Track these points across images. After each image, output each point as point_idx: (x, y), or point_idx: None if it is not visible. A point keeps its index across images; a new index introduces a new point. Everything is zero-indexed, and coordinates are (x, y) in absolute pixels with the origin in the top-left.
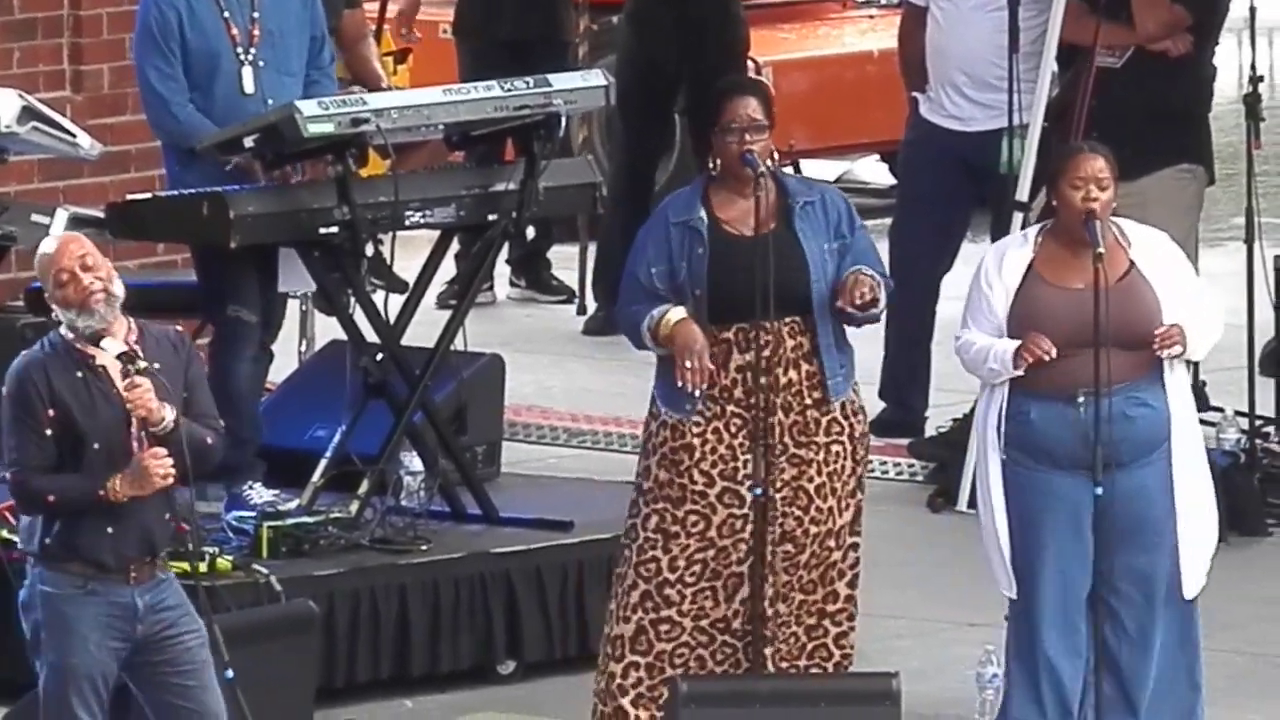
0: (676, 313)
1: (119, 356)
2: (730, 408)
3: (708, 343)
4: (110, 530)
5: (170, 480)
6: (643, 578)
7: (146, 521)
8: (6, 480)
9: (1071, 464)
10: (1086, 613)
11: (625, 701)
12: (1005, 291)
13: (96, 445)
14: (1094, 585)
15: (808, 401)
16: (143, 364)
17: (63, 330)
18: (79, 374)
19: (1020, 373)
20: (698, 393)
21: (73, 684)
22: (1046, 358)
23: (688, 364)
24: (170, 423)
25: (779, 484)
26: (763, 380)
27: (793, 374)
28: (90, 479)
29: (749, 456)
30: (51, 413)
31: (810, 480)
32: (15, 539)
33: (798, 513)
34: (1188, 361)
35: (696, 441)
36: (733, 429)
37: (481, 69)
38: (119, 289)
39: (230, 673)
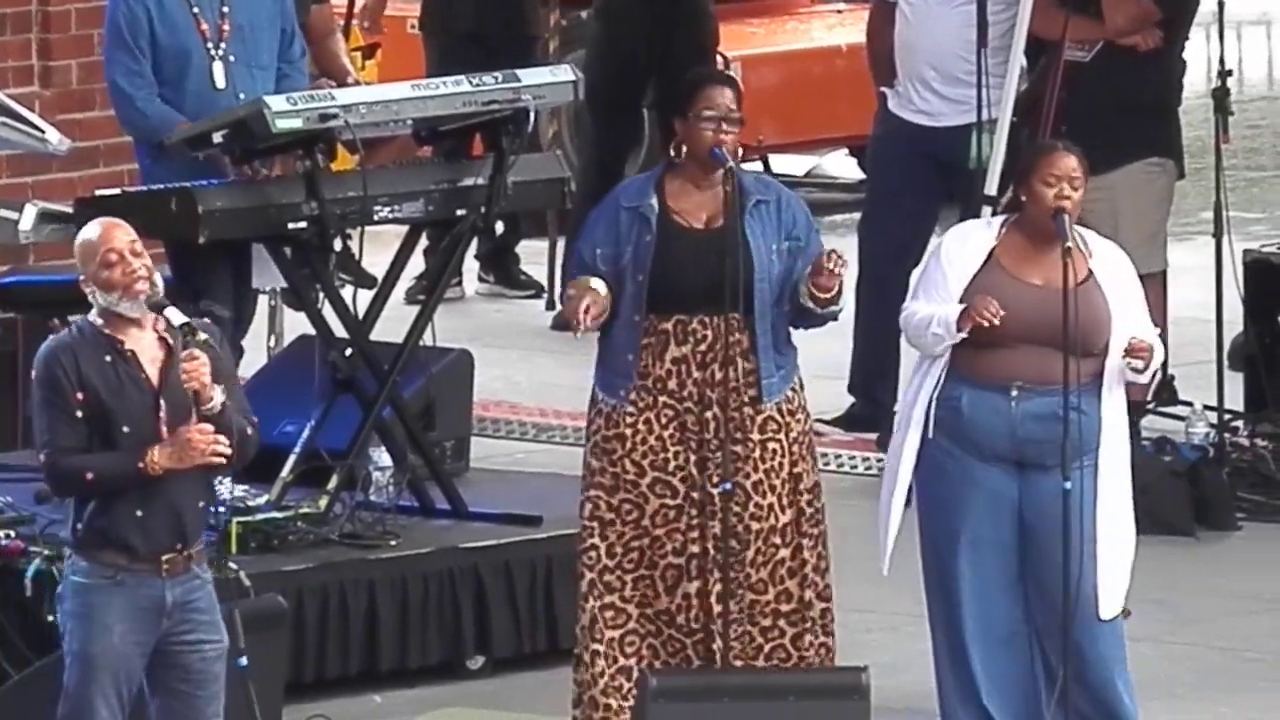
0: (587, 276)
1: (180, 327)
2: (663, 399)
3: (600, 297)
4: (139, 514)
5: (210, 458)
6: (586, 565)
7: (179, 507)
8: (41, 463)
9: (995, 456)
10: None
11: (596, 691)
12: (962, 273)
13: (126, 429)
14: (1029, 584)
15: (744, 399)
16: (203, 336)
17: (91, 316)
18: (107, 358)
19: (961, 336)
20: (578, 324)
21: (94, 675)
22: (991, 322)
23: (570, 293)
24: (218, 404)
25: (715, 479)
26: (692, 375)
27: (729, 370)
28: (128, 454)
29: (678, 449)
30: (80, 395)
31: (746, 477)
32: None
33: (736, 509)
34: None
35: (628, 431)
36: (663, 420)
37: (447, 64)
38: (159, 283)
39: (244, 660)
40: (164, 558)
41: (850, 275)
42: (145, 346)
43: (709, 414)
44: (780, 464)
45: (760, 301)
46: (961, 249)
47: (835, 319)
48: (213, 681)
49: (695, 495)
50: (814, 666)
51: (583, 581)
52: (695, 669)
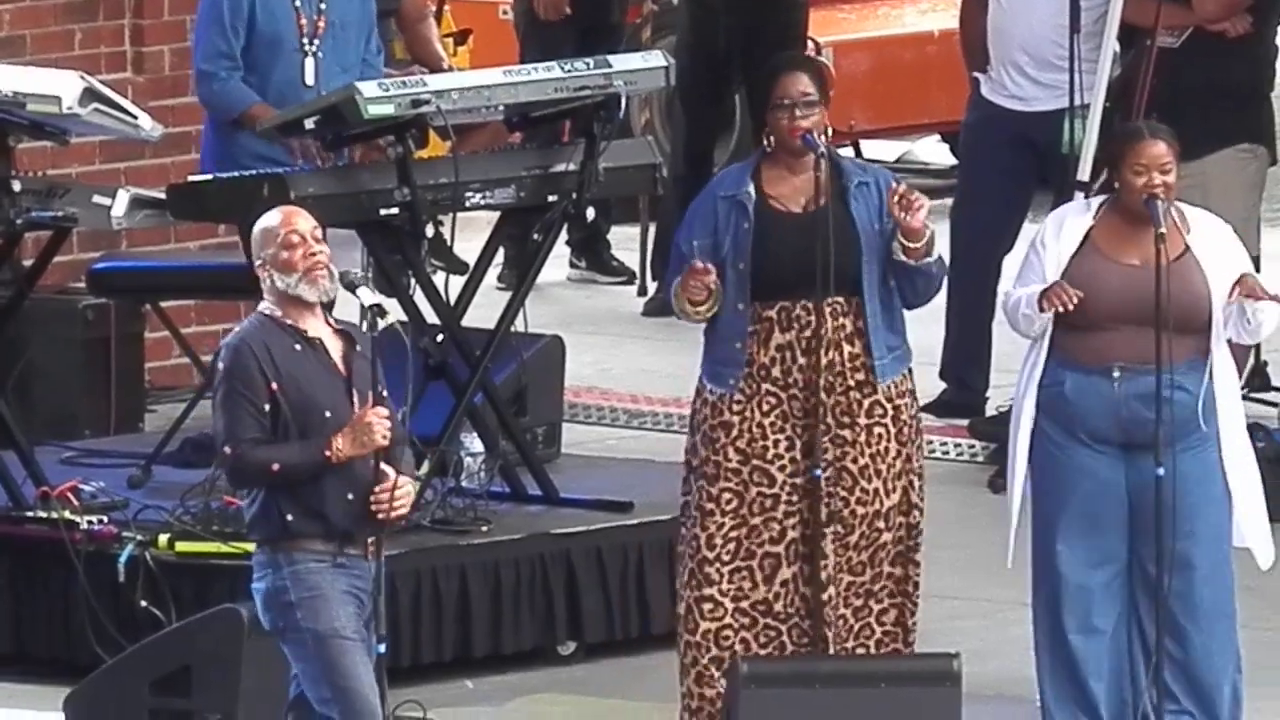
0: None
1: (370, 307)
2: (766, 386)
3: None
4: (351, 497)
5: (386, 440)
6: (688, 554)
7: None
8: (224, 455)
9: (1101, 439)
10: (1130, 599)
11: (690, 681)
12: (1059, 256)
13: (328, 414)
14: (1135, 570)
15: (850, 383)
16: (391, 318)
17: (265, 308)
18: (296, 346)
19: (1046, 315)
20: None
21: (344, 646)
22: (1065, 307)
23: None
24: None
25: (822, 464)
26: (797, 361)
27: (835, 355)
28: (312, 443)
29: (778, 436)
30: (274, 385)
31: (854, 461)
32: (78, 520)
33: (843, 493)
34: (1246, 347)
35: (735, 419)
36: (764, 408)
37: (538, 49)
38: (350, 268)
39: (383, 647)
40: (369, 541)
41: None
42: (325, 334)
43: (814, 399)
44: (887, 448)
45: (868, 282)
46: (1058, 232)
47: (935, 284)
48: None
49: (797, 481)
50: (902, 650)
51: (684, 572)
52: (786, 655)
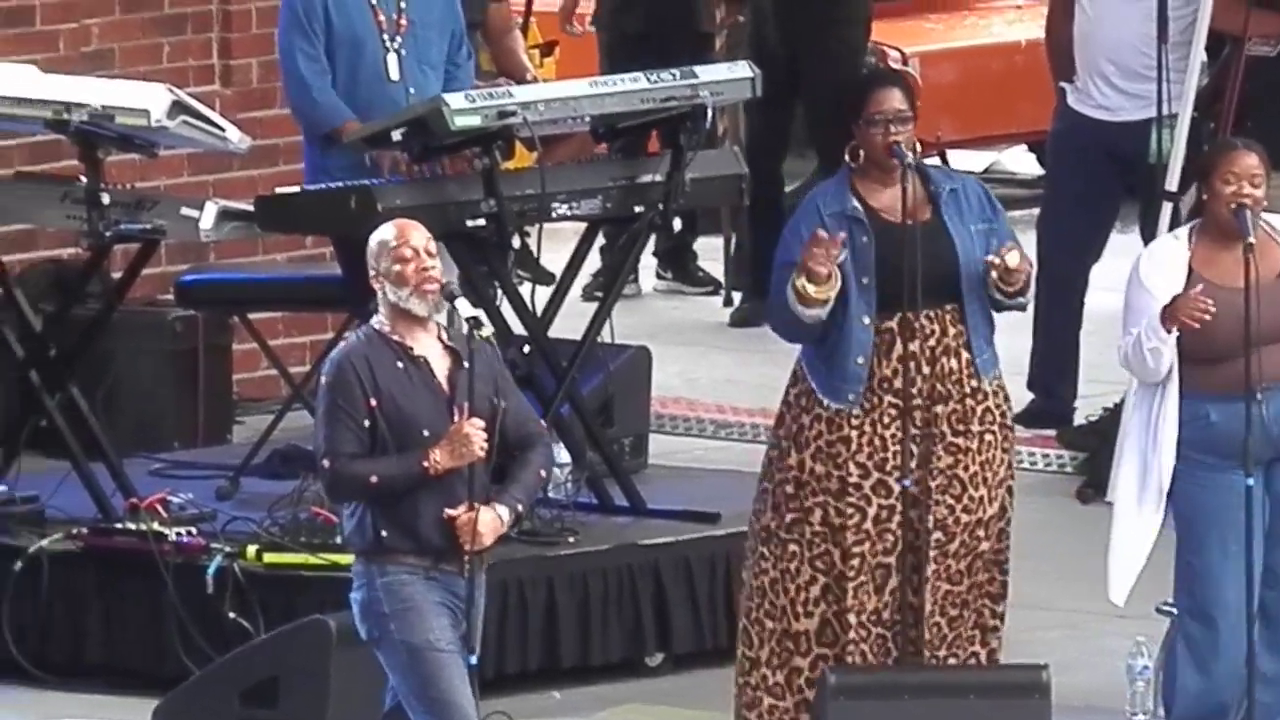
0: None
1: (468, 320)
2: (887, 398)
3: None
4: (446, 515)
5: (485, 452)
6: (820, 570)
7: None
8: (322, 469)
9: (1253, 461)
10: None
11: (811, 694)
12: (1168, 290)
13: (426, 432)
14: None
15: (966, 390)
16: (487, 331)
17: (375, 322)
18: (399, 364)
19: (1171, 349)
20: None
21: (439, 659)
22: (1208, 313)
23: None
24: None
25: (934, 472)
26: (922, 371)
27: (953, 362)
28: (410, 456)
29: (898, 448)
30: (373, 402)
31: (965, 469)
32: (167, 531)
33: (950, 501)
34: None
35: (854, 434)
36: (885, 420)
37: (618, 61)
38: (449, 279)
39: (474, 659)
40: (465, 557)
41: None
42: (433, 353)
43: (937, 409)
44: (995, 455)
45: (968, 285)
46: (1158, 268)
47: (1021, 309)
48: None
49: (913, 491)
50: (985, 658)
51: (814, 586)
52: (875, 666)
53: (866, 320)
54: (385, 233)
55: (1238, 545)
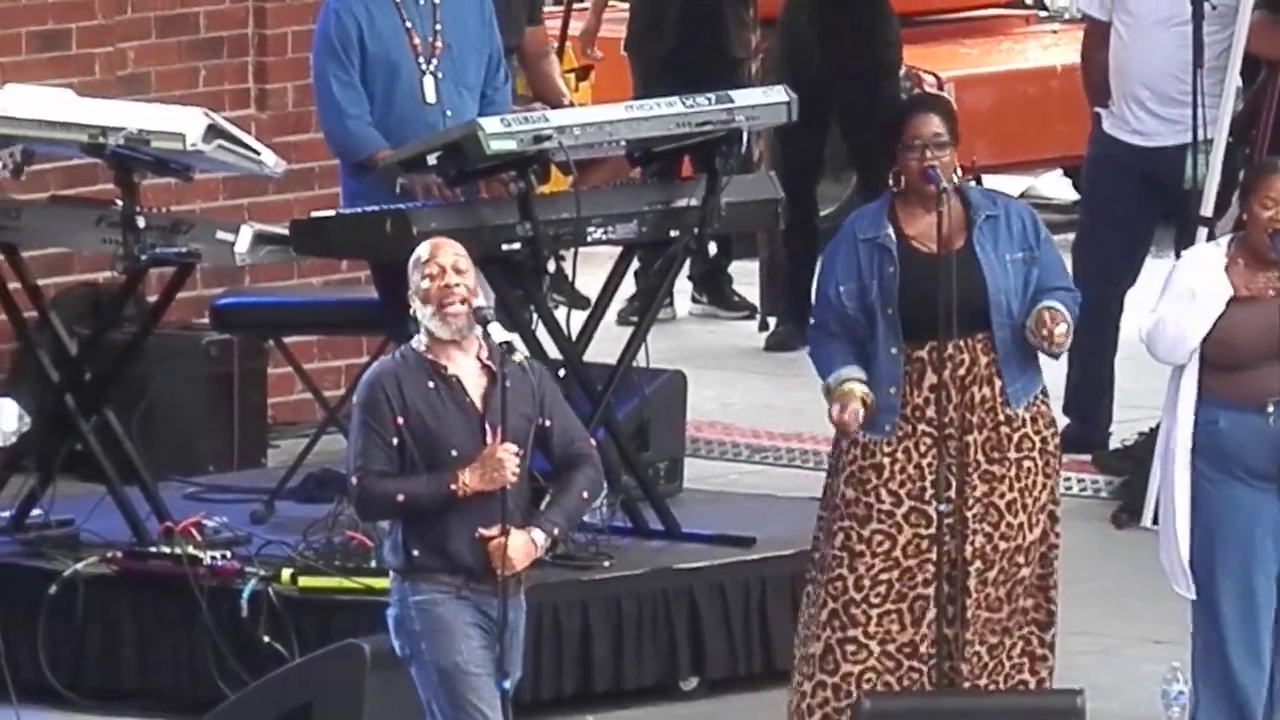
0: (850, 372)
1: (501, 344)
2: (921, 426)
3: (861, 409)
4: (478, 535)
5: (516, 477)
6: (830, 595)
7: (509, 528)
8: (351, 486)
9: (1258, 476)
10: (1272, 627)
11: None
12: (1206, 286)
13: (455, 453)
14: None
15: (1000, 418)
16: (520, 356)
17: (415, 342)
18: (430, 384)
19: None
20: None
21: (467, 680)
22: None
23: (835, 409)
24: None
25: (970, 500)
26: (952, 400)
27: (986, 390)
28: (439, 476)
29: (935, 476)
30: (401, 421)
31: (1001, 496)
32: (202, 555)
33: (988, 529)
34: None
35: (886, 460)
36: (922, 448)
37: (650, 86)
38: (482, 303)
39: (508, 684)
40: (497, 579)
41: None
42: (468, 372)
43: (970, 438)
44: (1035, 481)
45: (998, 313)
46: (1199, 265)
47: (1055, 359)
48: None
49: (950, 521)
50: (1034, 687)
51: (823, 611)
52: (910, 692)
53: (894, 350)
54: (420, 250)
55: (1239, 559)
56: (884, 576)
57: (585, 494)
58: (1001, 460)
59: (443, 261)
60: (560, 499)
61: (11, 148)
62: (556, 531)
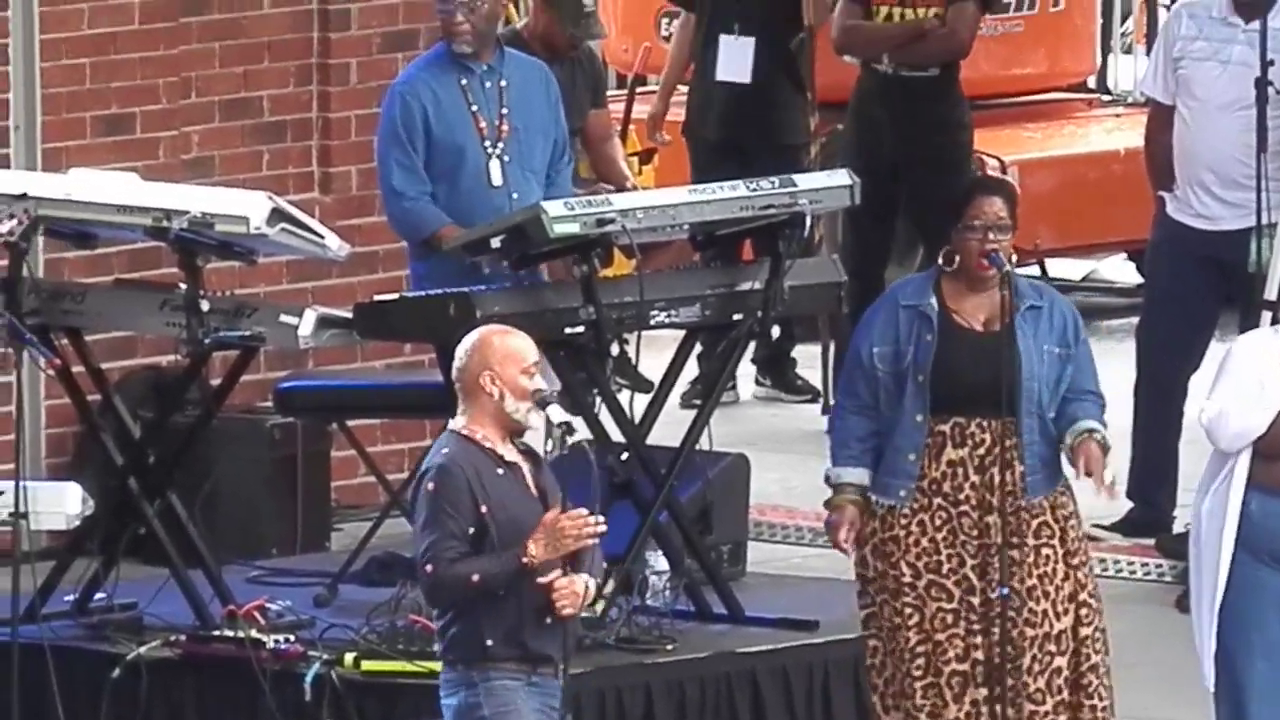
0: (850, 476)
1: (559, 424)
2: (937, 500)
3: (857, 521)
4: (549, 621)
5: (583, 541)
6: (874, 669)
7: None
8: (424, 573)
9: None
10: None
11: None
12: (1263, 375)
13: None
14: None
15: (1021, 503)
16: (579, 436)
17: (459, 428)
18: (499, 470)
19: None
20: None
21: None
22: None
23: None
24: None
25: (993, 585)
26: (970, 479)
27: (1004, 474)
28: (509, 552)
29: (950, 552)
30: (484, 510)
31: (1021, 582)
32: (265, 639)
33: (1010, 614)
34: None
35: (902, 533)
36: (937, 522)
37: (700, 170)
38: (541, 387)
39: None
40: (559, 663)
41: (1128, 380)
42: (517, 456)
43: (989, 519)
44: (1054, 569)
45: (1028, 400)
46: (1265, 360)
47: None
48: None
49: (974, 600)
50: None
51: (874, 695)
52: None
53: (920, 418)
54: (515, 335)
55: (1271, 661)
56: (920, 649)
57: (605, 564)
58: (1020, 546)
59: (539, 360)
60: (587, 565)
61: (25, 204)
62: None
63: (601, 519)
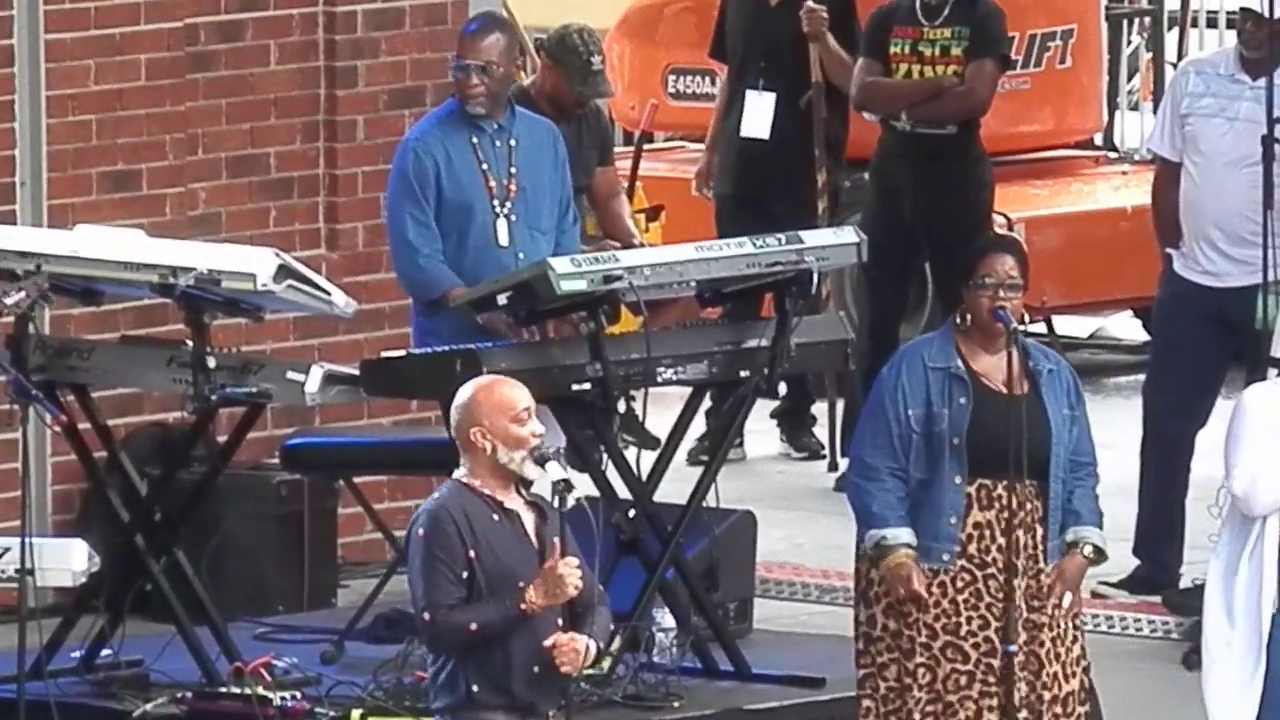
0: (904, 535)
1: (556, 483)
2: (961, 562)
3: (922, 578)
4: (537, 669)
5: (577, 590)
6: None
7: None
8: (423, 622)
9: None
10: None
11: None
12: (1271, 430)
13: (522, 584)
14: None
15: (1042, 565)
16: (577, 495)
17: (461, 477)
18: (494, 516)
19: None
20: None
21: None
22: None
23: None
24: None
25: (1017, 645)
26: (996, 540)
27: (1027, 537)
28: (508, 600)
29: (971, 614)
30: (472, 554)
31: (1041, 645)
32: (271, 696)
33: (1029, 677)
34: None
35: (923, 593)
36: (959, 584)
37: (721, 224)
38: (537, 443)
39: None
40: (551, 713)
41: (1135, 437)
42: (520, 506)
43: (1015, 581)
44: (1066, 633)
45: (1056, 465)
46: (1263, 407)
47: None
48: None
49: (993, 662)
50: None
51: None
52: None
53: (958, 480)
54: (508, 384)
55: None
56: (930, 709)
57: (610, 626)
58: (1041, 609)
59: (530, 407)
60: (591, 625)
61: (36, 278)
62: (599, 646)
63: (580, 563)
